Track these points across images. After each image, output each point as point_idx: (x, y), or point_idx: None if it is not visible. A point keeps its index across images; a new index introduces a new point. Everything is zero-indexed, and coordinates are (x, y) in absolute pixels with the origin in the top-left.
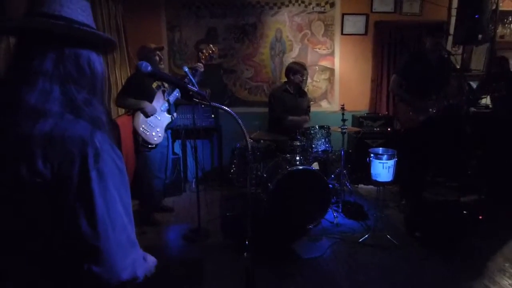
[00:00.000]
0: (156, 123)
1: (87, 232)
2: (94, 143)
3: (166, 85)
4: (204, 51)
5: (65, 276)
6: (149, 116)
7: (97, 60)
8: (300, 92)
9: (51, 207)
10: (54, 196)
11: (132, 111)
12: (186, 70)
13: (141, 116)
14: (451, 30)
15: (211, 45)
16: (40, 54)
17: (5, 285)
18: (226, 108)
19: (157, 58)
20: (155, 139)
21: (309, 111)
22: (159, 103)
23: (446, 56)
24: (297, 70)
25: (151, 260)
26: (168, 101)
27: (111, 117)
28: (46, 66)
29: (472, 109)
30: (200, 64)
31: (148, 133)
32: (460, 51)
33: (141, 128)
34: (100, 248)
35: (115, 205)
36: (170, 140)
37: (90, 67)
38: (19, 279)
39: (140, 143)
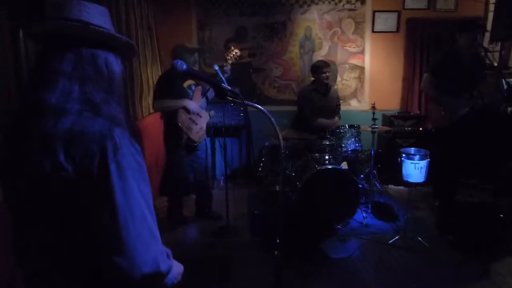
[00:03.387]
0: (198, 120)
1: (108, 223)
2: (113, 137)
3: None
4: (229, 54)
5: (87, 268)
6: (192, 114)
7: (114, 62)
8: (329, 91)
9: (74, 200)
10: (77, 189)
11: (169, 112)
12: (217, 68)
13: (184, 114)
14: (489, 26)
15: (232, 48)
16: (59, 55)
17: (30, 280)
18: (260, 106)
19: (193, 59)
20: (199, 136)
21: (339, 110)
22: (198, 101)
23: (481, 53)
24: (318, 67)
25: (178, 267)
26: (206, 98)
27: (130, 118)
28: (65, 67)
29: (510, 108)
30: (227, 67)
31: (192, 131)
32: (498, 48)
33: (185, 126)
34: (121, 238)
35: (135, 197)
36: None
37: (107, 68)
38: (42, 267)
39: (185, 141)
